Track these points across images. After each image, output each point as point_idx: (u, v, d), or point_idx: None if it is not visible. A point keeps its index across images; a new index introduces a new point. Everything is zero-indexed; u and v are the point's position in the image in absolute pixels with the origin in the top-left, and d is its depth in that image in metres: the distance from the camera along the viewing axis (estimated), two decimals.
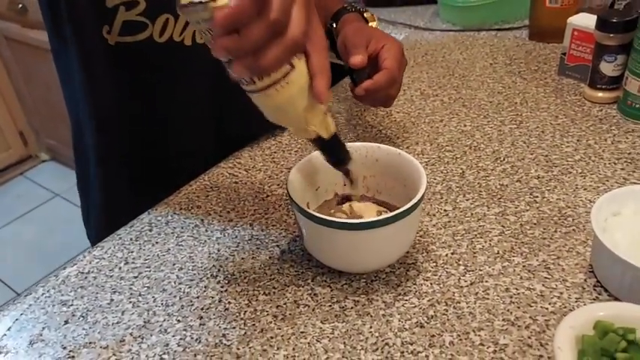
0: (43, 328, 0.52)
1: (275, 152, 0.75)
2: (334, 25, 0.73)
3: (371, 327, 0.49)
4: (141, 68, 0.67)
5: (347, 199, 0.59)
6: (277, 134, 0.79)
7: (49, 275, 0.59)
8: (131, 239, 0.62)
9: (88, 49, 0.66)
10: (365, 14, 0.75)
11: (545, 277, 0.53)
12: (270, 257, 0.58)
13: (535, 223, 0.59)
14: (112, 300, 0.55)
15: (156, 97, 0.70)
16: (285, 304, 0.52)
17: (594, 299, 0.50)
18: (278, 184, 0.69)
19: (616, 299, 0.49)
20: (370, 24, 0.74)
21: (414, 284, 0.53)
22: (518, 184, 0.65)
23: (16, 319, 0.54)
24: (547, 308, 0.50)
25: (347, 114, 0.83)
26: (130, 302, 0.54)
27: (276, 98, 0.43)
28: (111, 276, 0.57)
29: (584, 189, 0.63)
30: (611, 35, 0.74)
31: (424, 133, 0.76)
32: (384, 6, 1.22)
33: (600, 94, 0.78)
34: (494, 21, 1.07)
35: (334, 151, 0.52)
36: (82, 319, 0.53)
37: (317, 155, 0.57)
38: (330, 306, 0.52)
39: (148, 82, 0.69)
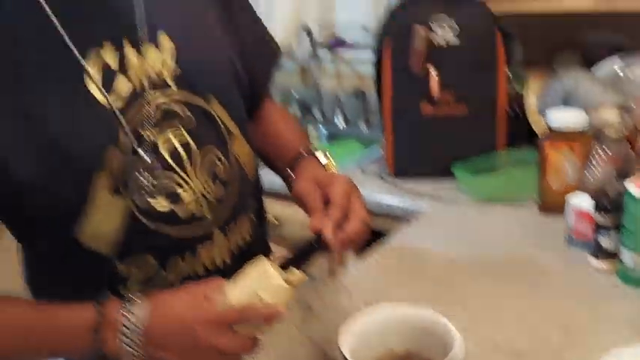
0: None
1: None
2: (291, 173, 0.79)
3: None
4: None
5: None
6: None
7: None
8: None
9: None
10: (320, 158, 0.80)
11: None
12: None
13: None
14: None
15: None
16: None
17: None
18: None
19: None
20: (328, 170, 0.79)
21: None
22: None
23: None
24: None
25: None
26: None
27: None
28: None
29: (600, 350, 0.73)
30: (605, 216, 0.90)
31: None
32: (411, 177, 1.39)
33: (603, 264, 0.92)
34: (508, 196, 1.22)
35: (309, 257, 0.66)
36: None
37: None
38: None
39: None
